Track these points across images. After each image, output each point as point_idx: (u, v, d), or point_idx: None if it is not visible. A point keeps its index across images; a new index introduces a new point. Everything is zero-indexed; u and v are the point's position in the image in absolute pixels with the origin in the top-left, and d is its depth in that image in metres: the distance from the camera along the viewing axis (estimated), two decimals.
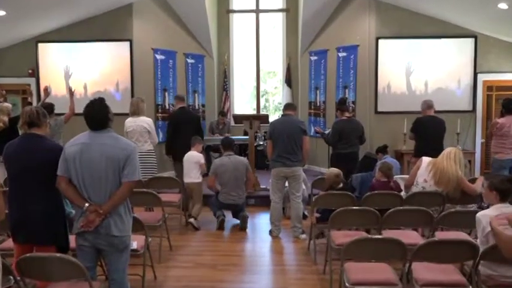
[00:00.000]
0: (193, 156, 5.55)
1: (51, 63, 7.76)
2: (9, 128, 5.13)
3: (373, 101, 7.59)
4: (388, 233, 3.73)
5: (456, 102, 7.50)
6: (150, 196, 4.52)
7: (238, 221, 5.50)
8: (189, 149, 5.58)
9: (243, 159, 5.59)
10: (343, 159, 5.57)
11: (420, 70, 7.52)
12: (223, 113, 8.62)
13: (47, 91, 5.86)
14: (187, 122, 5.90)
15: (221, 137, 8.11)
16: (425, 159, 4.34)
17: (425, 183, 4.25)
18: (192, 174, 5.51)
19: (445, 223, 3.74)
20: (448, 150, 4.22)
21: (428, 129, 5.68)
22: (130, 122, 5.49)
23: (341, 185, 4.65)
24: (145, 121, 5.48)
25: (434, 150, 4.86)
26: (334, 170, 4.69)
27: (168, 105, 8.08)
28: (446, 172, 4.12)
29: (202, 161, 5.55)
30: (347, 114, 5.87)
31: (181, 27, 8.33)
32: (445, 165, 4.13)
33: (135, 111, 5.51)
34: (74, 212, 3.01)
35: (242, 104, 10.30)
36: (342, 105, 5.97)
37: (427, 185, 4.24)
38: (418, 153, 5.62)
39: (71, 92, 5.88)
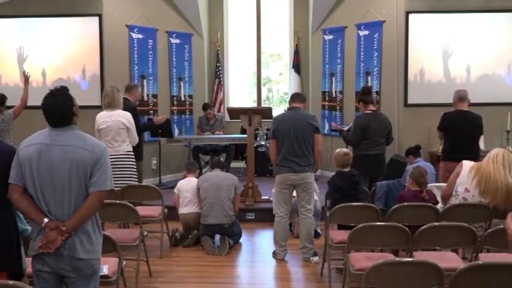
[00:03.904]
0: (193, 183, 5.66)
1: (1, 44, 7.77)
2: None
3: (402, 90, 7.61)
4: (420, 255, 3.74)
5: (506, 92, 7.52)
6: (124, 209, 4.53)
7: (232, 241, 5.52)
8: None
9: (232, 177, 5.66)
10: (367, 163, 5.59)
11: (461, 52, 7.53)
12: (207, 106, 8.41)
13: None
14: None
15: (212, 136, 8.19)
16: (467, 164, 4.35)
17: (467, 194, 4.26)
18: (189, 204, 5.60)
19: (491, 243, 3.75)
20: (494, 152, 4.23)
21: (459, 128, 5.70)
22: (104, 116, 5.47)
23: (349, 169, 4.94)
24: (123, 116, 5.47)
25: (467, 153, 4.96)
26: (342, 149, 5.08)
27: (147, 96, 8.10)
28: (493, 179, 4.13)
29: None
30: (372, 107, 5.87)
31: None
32: (491, 171, 4.13)
33: (111, 104, 5.49)
34: (29, 229, 3.02)
35: (239, 94, 10.33)
36: (365, 95, 5.97)
37: (469, 195, 4.25)
38: (447, 157, 5.70)
39: (25, 78, 5.89)
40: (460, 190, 4.31)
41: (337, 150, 5.11)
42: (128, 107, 6.19)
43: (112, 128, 5.41)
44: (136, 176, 5.65)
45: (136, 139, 5.60)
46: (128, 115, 5.53)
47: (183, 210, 5.64)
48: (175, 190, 5.72)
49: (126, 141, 5.47)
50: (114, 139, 5.37)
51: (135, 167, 5.62)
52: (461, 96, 5.82)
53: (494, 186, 4.12)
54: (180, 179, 6.06)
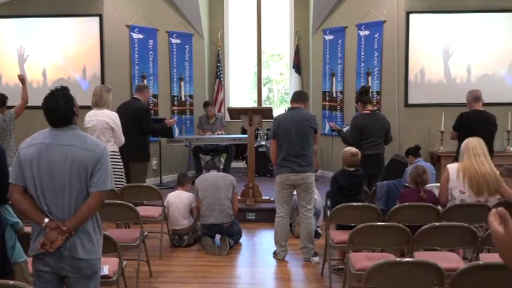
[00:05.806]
0: (182, 199, 5.56)
1: (1, 44, 7.78)
2: None
3: (402, 91, 7.61)
4: (421, 255, 3.74)
5: (506, 93, 7.52)
6: (125, 209, 4.54)
7: (232, 241, 5.52)
8: (127, 145, 5.62)
9: (230, 177, 5.65)
10: (365, 163, 5.58)
11: (461, 52, 7.53)
12: (208, 103, 8.38)
13: None
14: (125, 115, 5.87)
15: (212, 136, 8.18)
16: (452, 167, 4.36)
17: (463, 195, 4.26)
18: (181, 220, 5.53)
19: (492, 243, 3.74)
20: (470, 146, 4.22)
21: (476, 127, 5.68)
22: (91, 115, 5.52)
23: (354, 169, 4.84)
24: (108, 115, 5.49)
25: None
26: (351, 149, 4.93)
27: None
28: (481, 175, 4.13)
29: (195, 203, 5.55)
30: (370, 107, 5.88)
31: None
32: (476, 167, 4.14)
33: (98, 102, 5.53)
34: (20, 222, 3.03)
35: (240, 94, 10.34)
36: (363, 95, 5.98)
37: (466, 196, 4.25)
38: None
39: (20, 80, 5.93)
40: (456, 194, 4.31)
41: (346, 148, 5.01)
42: (139, 107, 6.25)
43: (96, 128, 5.43)
44: (122, 177, 5.63)
45: (122, 140, 5.57)
46: (113, 115, 5.54)
47: (174, 227, 5.57)
48: (165, 203, 5.57)
49: (110, 141, 5.47)
50: (98, 138, 5.33)
51: (120, 166, 5.60)
52: (476, 96, 5.82)
53: (484, 180, 4.14)
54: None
